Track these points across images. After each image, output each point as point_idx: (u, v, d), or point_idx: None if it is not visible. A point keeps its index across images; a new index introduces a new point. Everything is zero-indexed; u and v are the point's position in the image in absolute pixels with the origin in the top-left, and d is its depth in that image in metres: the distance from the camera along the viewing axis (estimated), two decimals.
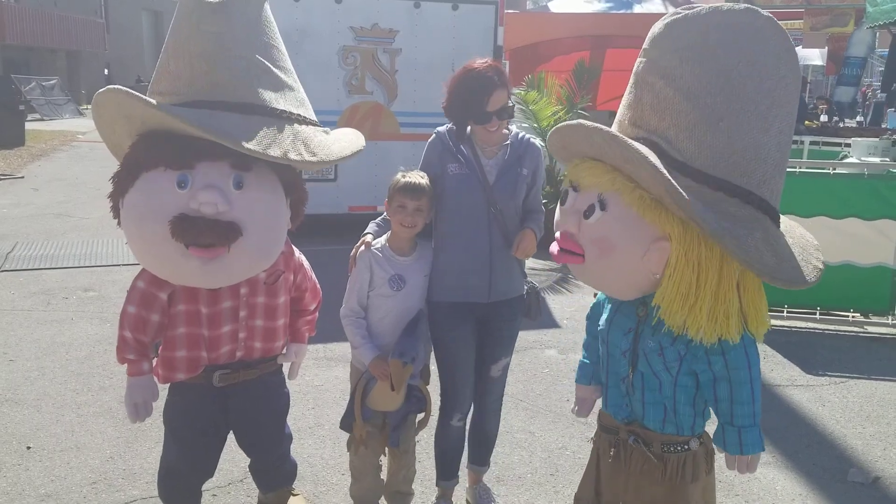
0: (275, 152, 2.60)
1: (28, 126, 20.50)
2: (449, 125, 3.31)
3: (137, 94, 2.56)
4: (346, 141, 2.97)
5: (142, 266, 2.88)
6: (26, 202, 11.61)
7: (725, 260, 2.27)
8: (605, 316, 2.68)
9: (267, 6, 2.90)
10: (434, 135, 3.34)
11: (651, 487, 2.62)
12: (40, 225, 9.99)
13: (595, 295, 2.89)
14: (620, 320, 2.58)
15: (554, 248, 2.55)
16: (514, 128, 3.40)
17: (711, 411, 2.58)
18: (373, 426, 3.25)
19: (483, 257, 3.24)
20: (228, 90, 2.68)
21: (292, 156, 2.65)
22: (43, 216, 10.59)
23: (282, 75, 2.85)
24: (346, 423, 3.30)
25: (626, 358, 2.56)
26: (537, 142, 3.40)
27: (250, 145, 2.54)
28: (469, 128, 3.25)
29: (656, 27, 2.39)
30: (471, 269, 3.25)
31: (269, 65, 2.81)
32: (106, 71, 41.85)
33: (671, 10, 2.41)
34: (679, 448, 2.58)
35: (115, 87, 2.54)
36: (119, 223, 2.79)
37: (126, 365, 2.94)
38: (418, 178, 3.18)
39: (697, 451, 2.62)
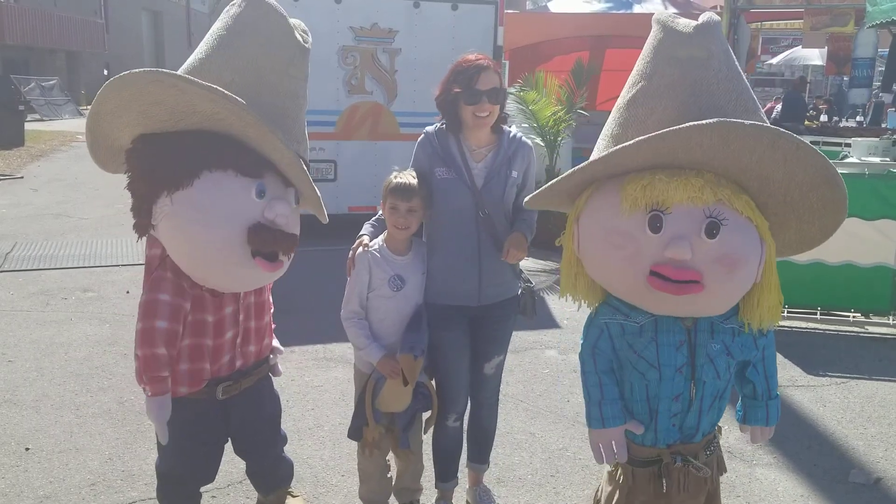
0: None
1: (27, 126, 20.50)
2: (438, 125, 3.28)
3: (237, 98, 2.48)
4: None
5: (157, 276, 2.80)
6: (25, 202, 11.60)
7: None
8: (633, 342, 2.50)
9: None
10: (423, 135, 3.31)
11: (695, 500, 2.61)
12: (39, 225, 9.97)
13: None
14: (666, 338, 2.45)
15: (662, 283, 2.26)
16: (514, 128, 3.37)
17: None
18: (382, 427, 3.24)
19: (472, 262, 3.22)
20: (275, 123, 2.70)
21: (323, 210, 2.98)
22: (42, 216, 10.58)
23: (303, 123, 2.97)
24: (355, 431, 3.27)
25: (682, 373, 2.46)
26: (531, 140, 3.38)
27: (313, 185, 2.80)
28: (461, 123, 3.19)
29: (681, 29, 2.31)
30: (460, 273, 3.24)
31: (301, 102, 2.92)
32: (105, 71, 41.79)
33: (671, 10, 2.41)
34: (714, 446, 2.64)
35: (187, 77, 2.47)
36: (135, 215, 2.71)
37: (154, 385, 2.78)
38: (409, 178, 3.15)
39: (719, 441, 2.69)
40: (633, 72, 2.41)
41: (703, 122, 2.10)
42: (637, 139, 2.22)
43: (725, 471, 2.71)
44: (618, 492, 2.64)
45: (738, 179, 2.27)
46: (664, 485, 2.54)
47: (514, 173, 3.23)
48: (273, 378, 3.30)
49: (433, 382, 3.35)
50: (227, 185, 2.62)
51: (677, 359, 2.45)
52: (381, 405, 3.18)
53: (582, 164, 2.39)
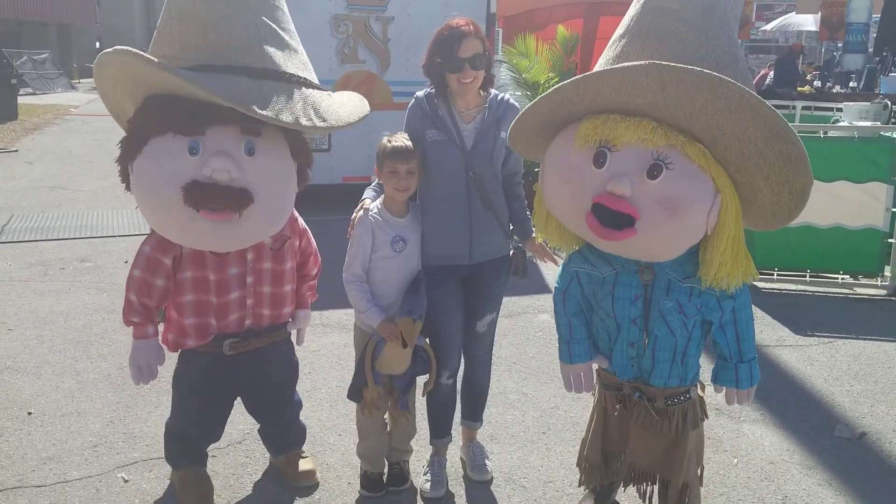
0: (287, 118, 2.62)
1: (20, 100, 20.38)
2: (427, 89, 3.34)
3: (148, 56, 2.54)
4: (351, 105, 2.99)
5: (150, 229, 2.92)
6: (21, 175, 11.59)
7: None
8: (596, 291, 2.67)
9: None
10: (413, 99, 3.37)
11: (654, 440, 2.74)
12: (35, 197, 9.99)
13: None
14: (622, 291, 2.58)
15: (597, 226, 2.34)
16: (510, 94, 3.42)
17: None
18: (381, 388, 3.31)
19: (463, 221, 3.30)
20: (236, 54, 2.67)
21: (304, 121, 2.67)
22: (37, 189, 10.59)
23: (286, 37, 2.85)
24: (355, 392, 3.33)
25: (636, 325, 2.60)
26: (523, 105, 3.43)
27: (263, 111, 2.56)
28: (448, 88, 3.26)
29: None
30: (451, 233, 3.31)
31: (275, 27, 2.80)
32: (97, 44, 41.39)
33: None
34: (681, 399, 2.71)
35: (124, 48, 2.51)
36: (127, 187, 2.82)
37: (132, 328, 3.00)
38: (404, 140, 3.21)
39: (695, 398, 2.76)
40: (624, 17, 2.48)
41: (638, 63, 2.15)
42: (576, 77, 2.31)
43: (696, 427, 2.78)
44: (595, 412, 2.92)
45: (690, 129, 2.26)
46: (617, 409, 2.78)
47: (503, 134, 3.29)
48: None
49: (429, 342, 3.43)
50: (165, 148, 2.65)
51: (631, 311, 2.59)
52: (380, 367, 3.25)
53: (529, 105, 2.51)
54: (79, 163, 12.78)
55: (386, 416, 3.48)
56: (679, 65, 2.10)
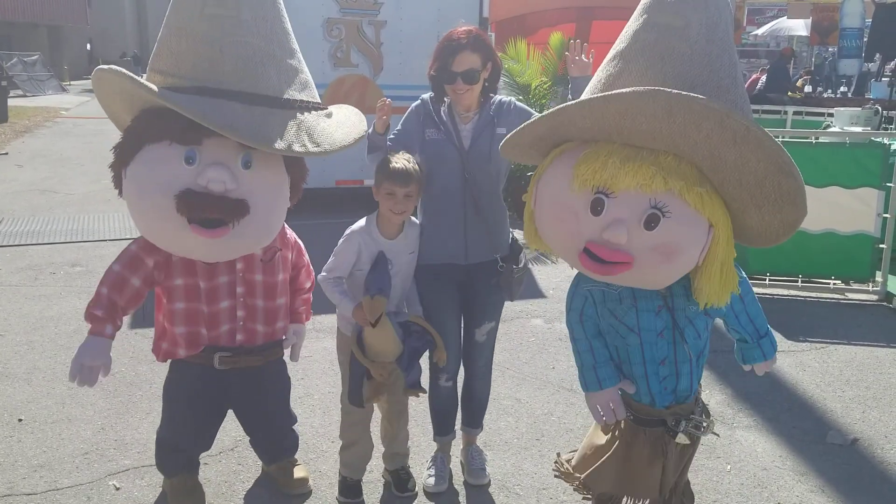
0: (279, 145, 2.63)
1: (10, 102, 20.30)
2: (433, 92, 3.36)
3: (141, 80, 2.57)
4: (348, 125, 2.97)
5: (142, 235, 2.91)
6: (11, 178, 11.55)
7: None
8: (613, 308, 2.59)
9: None
10: (419, 100, 3.41)
11: (681, 458, 2.73)
12: (26, 201, 9.95)
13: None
14: (645, 304, 2.54)
15: (590, 263, 2.34)
16: (501, 96, 3.43)
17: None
18: (382, 368, 3.19)
19: (458, 220, 3.32)
20: (233, 77, 2.66)
21: (297, 148, 2.68)
22: (28, 192, 10.55)
23: (287, 58, 2.84)
24: (356, 395, 3.25)
25: (663, 337, 2.56)
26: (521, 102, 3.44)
27: (255, 139, 2.58)
28: (448, 96, 3.29)
29: None
30: (447, 231, 3.33)
31: (275, 47, 2.79)
32: (88, 46, 41.38)
33: None
34: (701, 401, 2.74)
35: (119, 70, 2.55)
36: (119, 193, 2.82)
37: (90, 324, 2.87)
38: (405, 162, 3.16)
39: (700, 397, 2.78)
40: (622, 32, 2.44)
41: (646, 88, 2.12)
42: (580, 99, 2.28)
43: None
44: (617, 442, 2.73)
45: (691, 157, 2.23)
46: (665, 451, 2.65)
47: (502, 130, 3.23)
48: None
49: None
50: (160, 154, 2.65)
51: (657, 323, 2.54)
52: (372, 356, 3.16)
53: (528, 121, 2.47)
54: (70, 166, 12.75)
55: (380, 428, 3.46)
56: (688, 93, 2.06)
